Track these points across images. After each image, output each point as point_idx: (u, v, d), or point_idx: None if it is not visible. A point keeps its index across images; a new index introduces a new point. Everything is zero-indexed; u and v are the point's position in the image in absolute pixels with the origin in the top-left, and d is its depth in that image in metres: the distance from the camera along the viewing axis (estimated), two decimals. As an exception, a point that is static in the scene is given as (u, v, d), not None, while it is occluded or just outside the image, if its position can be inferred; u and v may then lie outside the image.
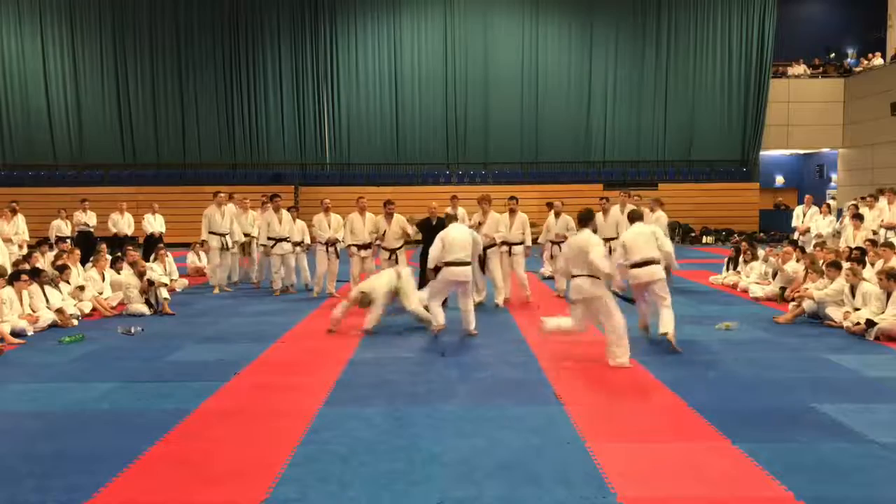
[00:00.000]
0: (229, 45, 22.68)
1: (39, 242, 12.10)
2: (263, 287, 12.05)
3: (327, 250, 10.95)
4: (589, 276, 6.57)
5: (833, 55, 24.59)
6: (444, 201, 10.77)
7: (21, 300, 8.42)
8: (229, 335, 8.22)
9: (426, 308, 8.15)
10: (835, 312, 8.40)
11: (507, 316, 9.35)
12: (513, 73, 22.87)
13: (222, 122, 22.77)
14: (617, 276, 7.02)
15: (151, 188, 21.12)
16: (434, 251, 8.01)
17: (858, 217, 12.29)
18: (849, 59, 24.20)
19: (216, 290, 11.66)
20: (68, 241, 13.79)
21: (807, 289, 8.97)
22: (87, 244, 14.04)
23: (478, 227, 9.92)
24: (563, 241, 10.84)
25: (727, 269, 12.16)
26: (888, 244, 9.56)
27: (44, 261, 10.56)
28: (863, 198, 14.04)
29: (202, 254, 13.25)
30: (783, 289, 10.09)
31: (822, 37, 24.58)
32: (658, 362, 6.71)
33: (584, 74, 22.96)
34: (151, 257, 11.86)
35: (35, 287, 8.76)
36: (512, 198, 10.45)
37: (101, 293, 10.12)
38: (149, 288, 9.74)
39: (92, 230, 15.18)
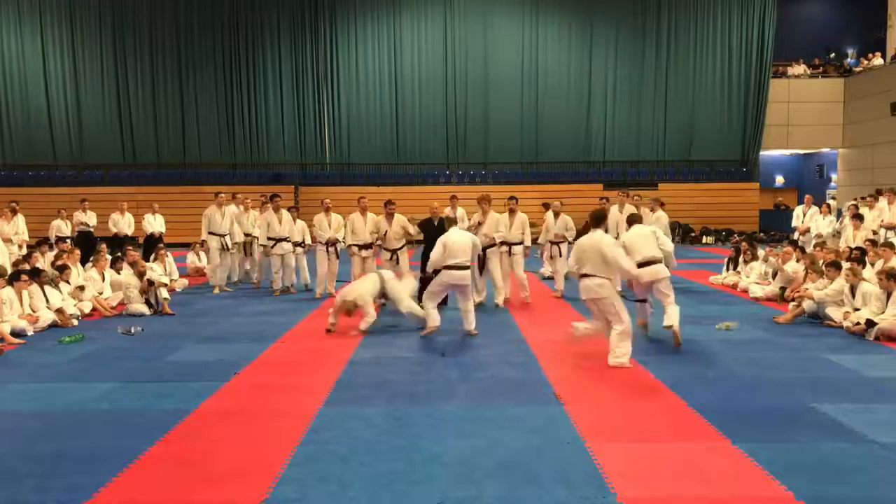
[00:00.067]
0: (229, 45, 22.68)
1: (39, 242, 12.09)
2: (263, 287, 12.05)
3: (328, 250, 10.94)
4: (599, 276, 6.61)
5: (833, 55, 24.58)
6: (444, 201, 10.77)
7: (21, 300, 8.42)
8: (229, 335, 8.22)
9: (422, 307, 8.19)
10: (835, 312, 8.41)
11: (507, 316, 9.35)
12: (513, 73, 22.87)
13: (222, 122, 22.78)
14: (636, 272, 7.08)
15: (151, 188, 21.13)
16: (435, 255, 8.05)
17: (858, 217, 12.29)
18: (849, 59, 24.20)
19: (216, 290, 11.66)
20: (68, 241, 13.79)
21: (807, 289, 8.97)
22: (87, 244, 14.04)
23: (477, 227, 9.93)
24: (562, 242, 10.90)
25: (727, 269, 12.16)
26: (888, 244, 9.56)
27: (44, 261, 10.56)
28: (863, 198, 14.04)
29: (202, 254, 13.26)
30: (783, 289, 10.09)
31: (822, 37, 24.58)
32: (658, 362, 6.71)
33: (584, 74, 22.96)
34: (151, 257, 11.86)
35: (35, 287, 8.76)
36: (512, 198, 10.44)
37: (101, 293, 10.12)
38: (149, 288, 9.74)
39: (92, 230, 15.18)
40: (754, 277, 11.08)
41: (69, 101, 22.53)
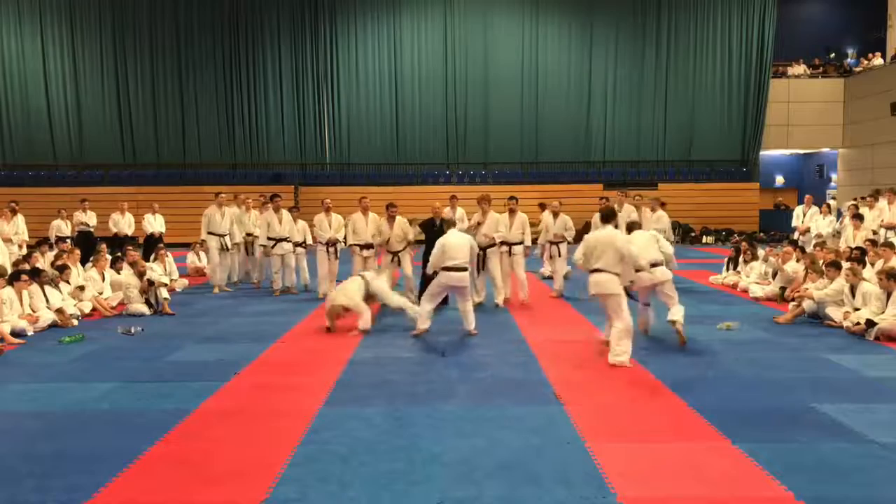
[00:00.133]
0: (229, 45, 22.68)
1: (39, 242, 12.09)
2: (263, 287, 12.05)
3: (328, 251, 10.94)
4: (610, 271, 6.65)
5: (833, 55, 24.58)
6: (444, 201, 10.76)
7: (21, 300, 8.42)
8: (229, 335, 8.22)
9: (420, 305, 8.22)
10: (835, 312, 8.41)
11: (507, 316, 9.35)
12: (513, 73, 22.87)
13: (222, 122, 22.78)
14: (648, 267, 7.18)
15: (151, 188, 21.12)
16: (433, 257, 8.10)
17: (858, 217, 12.29)
18: (849, 59, 24.19)
19: (216, 290, 11.66)
20: (68, 241, 13.79)
21: (807, 289, 8.97)
22: (87, 244, 14.04)
23: (477, 226, 9.92)
24: (561, 242, 10.89)
25: (727, 269, 12.16)
26: (888, 244, 9.56)
27: (44, 261, 10.56)
28: (863, 198, 14.04)
29: (202, 254, 13.26)
30: (783, 289, 10.09)
31: (822, 37, 24.58)
32: (658, 362, 6.72)
33: (584, 74, 22.97)
34: (151, 257, 11.86)
35: (35, 287, 8.76)
36: (512, 198, 10.43)
37: (101, 293, 10.12)
38: (149, 288, 9.74)
39: (92, 230, 15.19)
40: (754, 277, 11.09)
41: (69, 101, 22.54)
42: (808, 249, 11.45)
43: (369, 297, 8.62)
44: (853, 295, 8.30)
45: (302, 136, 22.91)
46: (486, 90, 22.86)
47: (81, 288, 9.73)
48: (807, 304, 8.72)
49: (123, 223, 15.13)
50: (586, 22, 22.90)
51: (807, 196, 14.97)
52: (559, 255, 10.95)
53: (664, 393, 5.80)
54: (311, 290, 11.43)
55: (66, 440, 4.82)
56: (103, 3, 22.34)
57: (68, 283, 9.67)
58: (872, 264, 9.44)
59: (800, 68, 23.53)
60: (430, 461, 4.38)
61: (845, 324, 8.09)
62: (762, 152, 23.17)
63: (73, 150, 22.59)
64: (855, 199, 14.58)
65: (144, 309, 9.58)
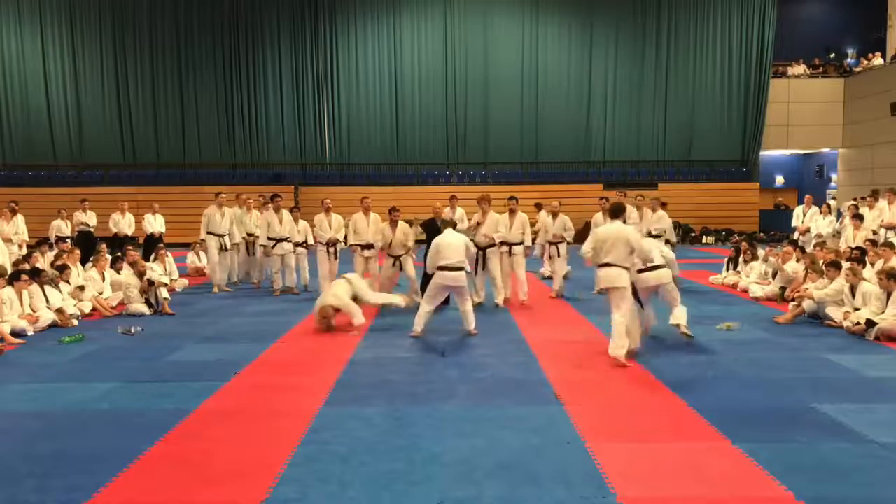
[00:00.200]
0: (229, 45, 22.67)
1: (39, 242, 12.09)
2: (263, 287, 12.05)
3: (328, 251, 10.93)
4: (620, 266, 6.69)
5: (833, 55, 24.58)
6: (444, 201, 10.77)
7: (21, 300, 8.42)
8: (229, 335, 8.22)
9: (420, 307, 8.22)
10: (835, 312, 8.40)
11: (507, 316, 9.35)
12: (513, 73, 22.86)
13: (222, 122, 22.77)
14: (658, 258, 7.22)
15: (151, 188, 21.11)
16: (429, 257, 8.11)
17: (858, 217, 12.29)
18: (849, 59, 24.19)
19: (216, 290, 11.66)
20: (68, 241, 13.79)
21: (807, 289, 8.97)
22: (87, 244, 14.04)
23: (477, 226, 9.92)
24: (560, 242, 10.88)
25: (727, 269, 12.16)
26: (888, 244, 9.57)
27: (44, 261, 10.56)
28: (862, 198, 14.04)
29: (202, 254, 13.25)
30: (783, 289, 10.09)
31: (822, 37, 24.57)
32: (658, 362, 6.72)
33: (584, 74, 22.96)
34: (151, 257, 11.86)
35: (35, 287, 8.76)
36: (512, 198, 10.43)
37: (101, 293, 10.12)
38: (149, 288, 9.74)
39: (92, 230, 15.19)
40: (754, 277, 11.09)
41: (69, 101, 22.53)
42: (808, 249, 11.45)
43: (356, 297, 8.68)
44: (853, 295, 8.30)
45: (302, 136, 22.91)
46: (486, 90, 22.85)
47: (81, 288, 9.73)
48: (807, 304, 8.72)
49: (123, 223, 15.13)
50: (586, 22, 22.89)
51: (807, 196, 14.97)
52: (558, 256, 10.94)
53: (664, 393, 5.80)
54: (311, 290, 11.43)
55: (66, 440, 4.82)
56: (103, 3, 22.33)
57: (68, 283, 9.67)
58: (872, 264, 9.43)
59: (800, 68, 23.53)
60: (430, 461, 4.38)
61: (845, 324, 8.09)
62: (762, 152, 23.16)
63: (73, 150, 22.58)
64: (855, 199, 14.59)
65: (144, 309, 9.58)
